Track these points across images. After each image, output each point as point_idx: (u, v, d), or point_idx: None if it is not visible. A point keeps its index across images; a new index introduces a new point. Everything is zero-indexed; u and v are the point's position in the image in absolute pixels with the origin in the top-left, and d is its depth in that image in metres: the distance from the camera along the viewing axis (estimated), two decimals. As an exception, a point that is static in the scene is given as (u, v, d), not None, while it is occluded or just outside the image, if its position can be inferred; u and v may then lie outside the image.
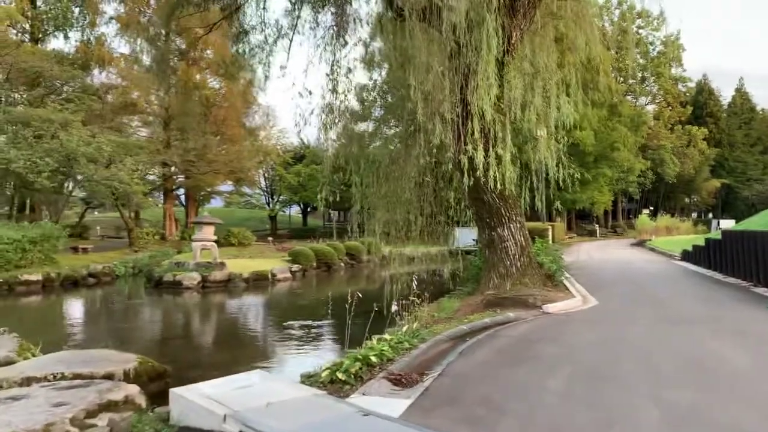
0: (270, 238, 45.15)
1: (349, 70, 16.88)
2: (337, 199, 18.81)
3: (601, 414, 6.16)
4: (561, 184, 18.65)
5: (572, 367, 8.12)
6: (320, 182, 18.20)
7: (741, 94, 76.61)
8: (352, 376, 7.49)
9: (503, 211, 15.89)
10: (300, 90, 15.55)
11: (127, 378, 9.43)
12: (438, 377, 7.77)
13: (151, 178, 40.87)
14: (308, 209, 62.66)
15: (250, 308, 22.85)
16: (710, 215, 69.96)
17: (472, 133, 12.87)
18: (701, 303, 14.34)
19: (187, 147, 38.67)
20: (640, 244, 40.95)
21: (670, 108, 66.40)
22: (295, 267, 30.98)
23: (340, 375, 7.42)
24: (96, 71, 39.93)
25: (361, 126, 23.12)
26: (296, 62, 23.48)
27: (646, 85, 65.20)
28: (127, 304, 23.76)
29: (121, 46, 43.35)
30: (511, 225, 15.93)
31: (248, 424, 5.93)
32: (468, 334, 10.95)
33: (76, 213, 45.91)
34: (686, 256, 25.47)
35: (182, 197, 51.31)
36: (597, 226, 59.92)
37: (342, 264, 36.16)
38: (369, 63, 21.08)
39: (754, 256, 16.57)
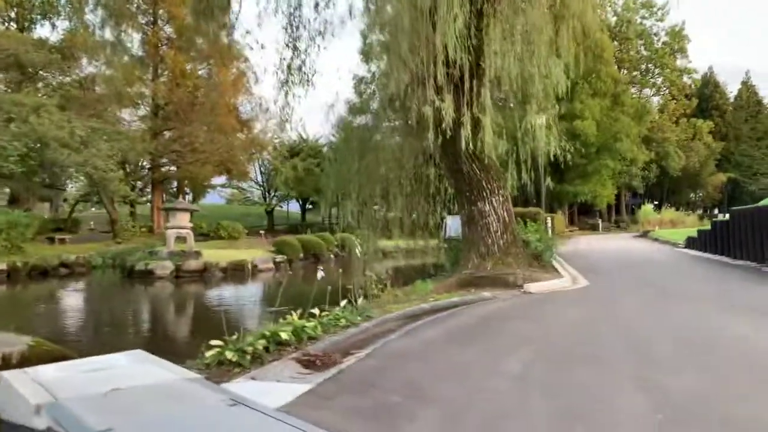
0: (262, 232, 43.33)
1: (320, 33, 15.05)
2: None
3: (563, 402, 4.33)
4: (553, 159, 16.78)
5: (540, 347, 6.29)
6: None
7: (747, 87, 74.06)
8: (248, 357, 5.67)
9: (484, 184, 14.02)
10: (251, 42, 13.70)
11: (6, 361, 7.73)
12: (364, 358, 5.98)
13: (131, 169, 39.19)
14: (307, 205, 60.78)
15: (217, 298, 20.99)
16: (716, 210, 67.55)
17: (436, 78, 10.96)
18: (705, 283, 12.48)
19: (172, 135, 36.93)
20: (644, 235, 38.84)
21: (674, 100, 64.08)
22: (280, 258, 29.16)
23: (230, 355, 5.60)
24: (84, 60, 38.16)
25: (360, 119, 21.08)
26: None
27: (651, 77, 62.94)
28: (88, 294, 22.04)
29: (107, 34, 41.56)
30: (493, 199, 14.05)
31: (59, 418, 4.12)
32: (427, 312, 9.11)
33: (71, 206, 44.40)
34: (691, 242, 23.46)
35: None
36: (599, 220, 57.66)
37: (332, 256, 34.29)
38: (366, 55, 19.14)
39: (767, 232, 14.61)
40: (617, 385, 4.77)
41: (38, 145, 25.82)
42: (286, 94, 13.88)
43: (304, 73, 13.78)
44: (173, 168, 40.96)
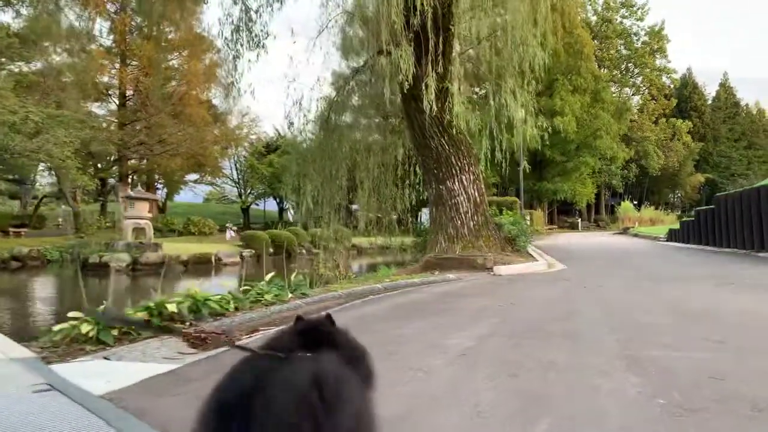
0: (234, 227, 41.64)
1: None
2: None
3: (522, 385, 2.96)
4: (529, 139, 15.51)
5: (500, 321, 4.94)
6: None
7: (725, 88, 73.78)
8: (114, 333, 4.24)
9: (453, 160, 12.67)
10: None
11: None
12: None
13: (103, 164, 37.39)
14: (284, 203, 59.07)
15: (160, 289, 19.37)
16: (693, 210, 66.90)
17: (391, 21, 9.58)
18: (696, 267, 11.21)
19: (140, 126, 35.19)
20: (624, 232, 37.86)
21: (654, 100, 63.39)
22: (247, 252, 27.59)
23: (86, 329, 4.16)
24: (47, 48, 36.30)
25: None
26: None
27: (630, 76, 62.20)
28: (21, 288, 20.30)
29: (71, 20, 39.52)
30: (463, 177, 12.71)
31: None
32: (378, 292, 7.72)
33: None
34: (674, 234, 22.37)
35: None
36: (579, 219, 56.74)
37: (304, 251, 32.73)
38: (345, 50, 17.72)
39: (757, 217, 13.41)
40: (601, 363, 3.43)
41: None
42: (235, 57, 12.38)
43: (255, 35, 12.29)
44: (142, 161, 39.14)
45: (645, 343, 3.97)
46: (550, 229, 48.33)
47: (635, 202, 63.68)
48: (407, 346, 3.93)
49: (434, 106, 10.66)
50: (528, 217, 32.80)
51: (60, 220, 46.93)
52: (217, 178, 54.70)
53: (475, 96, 20.40)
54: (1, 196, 54.83)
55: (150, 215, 24.65)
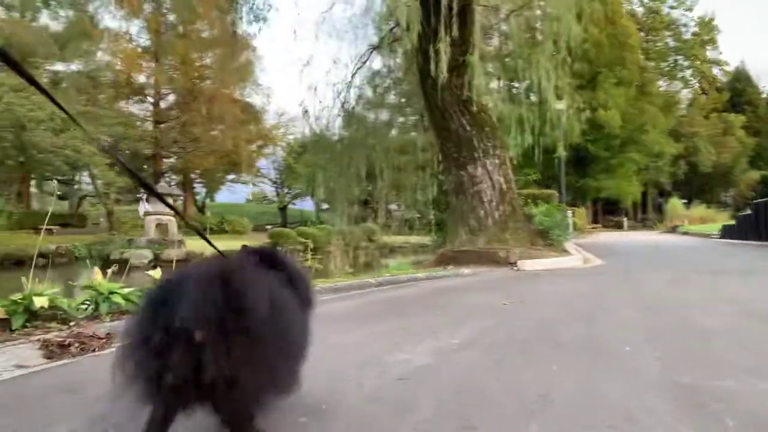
0: (269, 226, 40.93)
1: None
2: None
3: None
4: (564, 120, 13.86)
5: (500, 321, 3.50)
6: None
7: (782, 82, 69.62)
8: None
9: (476, 142, 11.19)
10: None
11: None
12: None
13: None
14: (322, 202, 58.17)
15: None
16: (751, 204, 62.89)
17: None
18: (755, 260, 9.42)
19: (173, 125, 34.78)
20: (672, 230, 35.37)
21: (705, 94, 59.98)
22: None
23: None
24: (85, 47, 36.26)
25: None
26: None
27: (679, 69, 58.97)
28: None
29: (109, 22, 39.42)
30: (487, 161, 11.21)
31: None
32: (368, 286, 6.35)
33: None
34: (728, 231, 20.25)
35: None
36: (624, 218, 53.91)
37: (337, 249, 31.53)
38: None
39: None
40: (631, 400, 1.99)
41: (19, 127, 23.66)
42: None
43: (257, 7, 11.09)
44: (174, 159, 38.78)
45: (705, 364, 2.50)
46: (593, 227, 45.86)
47: (684, 201, 60.42)
48: (330, 363, 2.56)
49: (444, 73, 9.25)
50: (570, 214, 30.88)
51: (101, 219, 47.23)
52: (255, 178, 54.11)
53: (504, 83, 18.81)
54: (50, 195, 55.92)
55: (173, 212, 23.84)
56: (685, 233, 29.72)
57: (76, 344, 3.15)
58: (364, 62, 14.10)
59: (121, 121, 30.34)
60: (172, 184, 47.06)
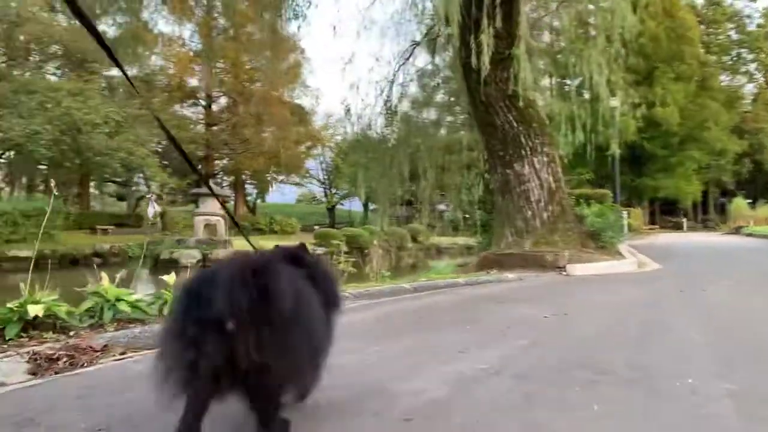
0: (316, 227, 40.98)
1: None
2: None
3: None
4: (618, 117, 13.11)
5: (517, 347, 3.02)
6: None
7: None
8: None
9: (523, 139, 10.59)
10: None
11: None
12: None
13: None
14: (369, 202, 58.06)
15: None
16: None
17: None
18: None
19: (224, 126, 35.22)
20: (736, 231, 33.51)
21: (771, 88, 56.93)
22: (320, 250, 26.43)
23: None
24: (139, 51, 37.13)
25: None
26: None
27: (743, 63, 56.04)
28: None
29: (163, 27, 40.30)
30: (535, 159, 10.60)
31: None
32: (404, 292, 5.93)
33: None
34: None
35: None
36: (684, 218, 51.57)
37: (379, 249, 31.20)
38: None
39: None
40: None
41: (74, 129, 24.29)
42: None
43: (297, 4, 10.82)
44: (225, 161, 39.29)
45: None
46: (650, 229, 44.02)
47: (749, 201, 57.48)
48: (324, 392, 2.15)
49: (486, 65, 8.75)
50: (626, 215, 29.64)
51: (159, 219, 48.27)
52: (303, 179, 54.44)
53: (556, 80, 18.14)
54: (109, 197, 57.90)
55: (222, 212, 23.99)
56: (750, 235, 28.04)
57: (65, 358, 2.85)
58: (407, 59, 13.68)
59: (173, 123, 30.82)
60: (224, 185, 47.93)
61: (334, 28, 11.93)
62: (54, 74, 30.07)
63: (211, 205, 23.09)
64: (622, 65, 13.02)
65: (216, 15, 39.00)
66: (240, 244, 23.97)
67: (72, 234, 26.53)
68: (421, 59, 13.85)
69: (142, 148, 25.20)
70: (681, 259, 11.02)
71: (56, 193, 30.30)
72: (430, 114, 14.76)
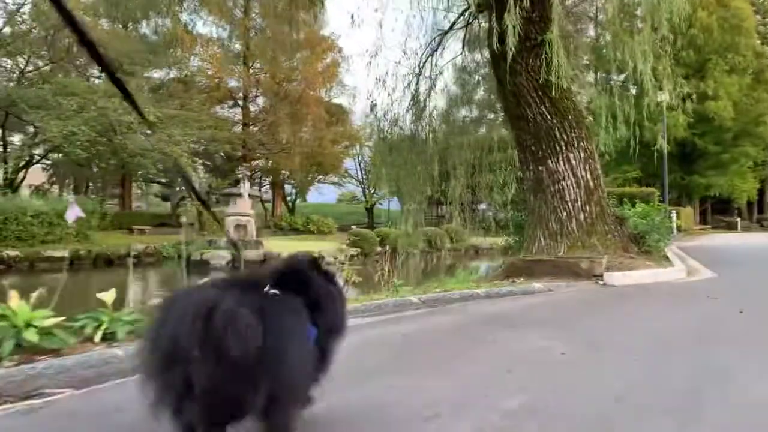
0: (353, 226, 40.36)
1: None
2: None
3: None
4: (666, 112, 11.90)
5: (505, 410, 2.12)
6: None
7: None
8: None
9: (557, 133, 9.60)
10: None
11: None
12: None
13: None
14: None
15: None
16: None
17: None
18: None
19: (261, 126, 34.95)
20: (796, 232, 31.33)
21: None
22: (353, 250, 25.73)
23: None
24: (178, 54, 37.22)
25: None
26: None
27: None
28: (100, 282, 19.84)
29: (201, 28, 40.20)
30: (570, 155, 9.59)
31: None
32: (410, 307, 5.10)
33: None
34: None
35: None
36: (738, 218, 48.86)
37: (415, 250, 30.29)
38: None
39: None
40: None
41: (109, 130, 24.28)
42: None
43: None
44: (261, 161, 39.07)
45: None
46: (702, 229, 41.79)
47: (809, 199, 54.14)
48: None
49: (512, 48, 7.79)
50: (674, 215, 27.94)
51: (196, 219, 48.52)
52: (342, 178, 54.02)
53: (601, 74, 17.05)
54: (154, 197, 58.80)
55: (253, 212, 23.58)
56: (813, 236, 26.07)
57: None
58: (435, 50, 12.80)
59: (210, 124, 30.60)
60: (264, 185, 47.84)
61: (352, 17, 11.15)
62: (99, 77, 30.16)
63: (242, 206, 22.67)
64: (670, 53, 11.87)
65: (253, 15, 38.85)
66: (272, 244, 23.49)
67: (109, 234, 26.56)
68: (451, 50, 12.95)
69: (176, 147, 24.93)
70: (737, 266, 9.82)
71: (93, 195, 30.62)
72: (468, 111, 13.86)
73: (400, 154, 13.20)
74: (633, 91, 12.52)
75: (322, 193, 64.20)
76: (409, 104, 13.08)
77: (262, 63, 37.21)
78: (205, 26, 38.61)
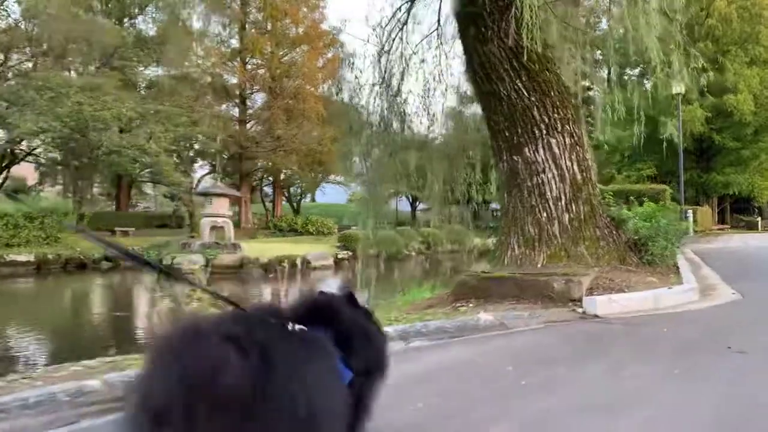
0: (354, 227, 38.42)
1: None
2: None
3: None
4: (681, 106, 9.81)
5: None
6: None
7: None
8: None
9: (536, 114, 7.54)
10: None
11: None
12: None
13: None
14: (417, 202, 55.20)
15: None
16: None
17: None
18: None
19: (252, 122, 33.21)
20: (823, 232, 28.74)
21: None
22: (343, 254, 23.80)
23: None
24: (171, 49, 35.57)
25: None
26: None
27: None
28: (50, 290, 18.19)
29: (197, 23, 38.56)
30: (552, 140, 7.52)
31: None
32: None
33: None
34: None
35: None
36: (759, 217, 45.97)
37: (413, 253, 28.29)
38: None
39: None
40: None
41: (85, 127, 22.61)
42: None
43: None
44: (261, 161, 37.28)
45: None
46: (720, 229, 39.08)
47: (836, 198, 51.04)
48: None
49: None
50: (690, 215, 25.54)
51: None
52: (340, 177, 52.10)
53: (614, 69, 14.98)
54: (165, 197, 57.43)
55: (230, 213, 21.74)
56: (843, 237, 23.56)
57: None
58: (405, 24, 10.78)
59: (191, 119, 28.71)
60: (265, 184, 46.03)
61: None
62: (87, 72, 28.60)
63: (218, 206, 20.79)
64: (686, 42, 9.73)
65: (250, 9, 37.06)
66: (250, 248, 21.60)
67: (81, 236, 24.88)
68: (426, 25, 10.94)
69: (154, 145, 23.17)
70: (765, 278, 7.66)
71: (69, 195, 29.01)
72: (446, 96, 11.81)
73: (369, 144, 11.30)
74: (647, 85, 10.51)
75: (325, 193, 62.46)
76: (379, 87, 11.11)
77: (260, 58, 35.32)
78: (202, 21, 36.99)
